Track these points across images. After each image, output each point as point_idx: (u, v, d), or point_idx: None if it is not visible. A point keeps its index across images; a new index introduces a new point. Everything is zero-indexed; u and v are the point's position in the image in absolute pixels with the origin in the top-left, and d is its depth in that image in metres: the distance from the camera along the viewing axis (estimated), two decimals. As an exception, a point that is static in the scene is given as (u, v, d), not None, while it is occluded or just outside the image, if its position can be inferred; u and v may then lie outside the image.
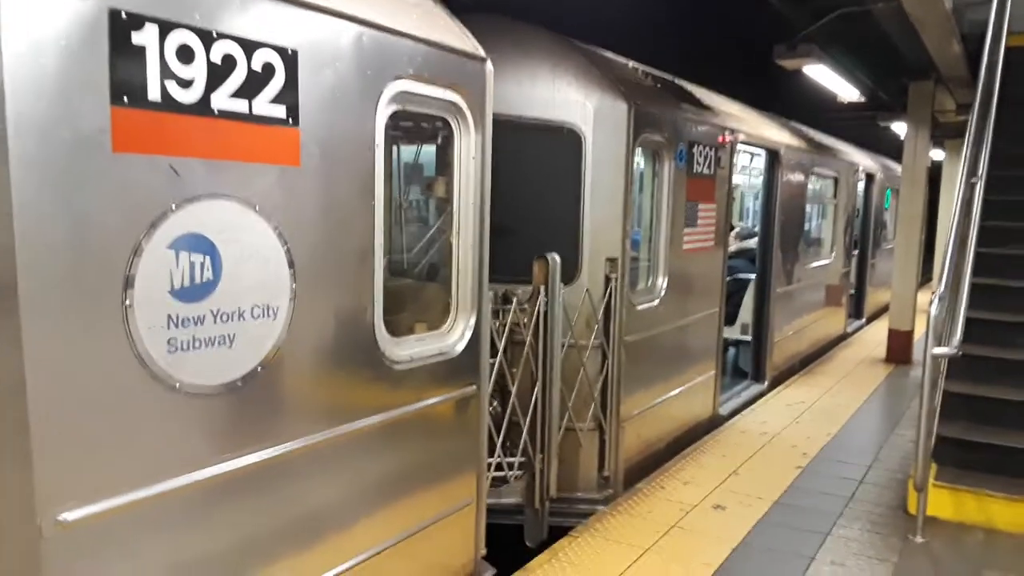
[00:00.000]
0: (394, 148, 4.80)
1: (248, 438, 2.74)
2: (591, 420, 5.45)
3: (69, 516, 2.22)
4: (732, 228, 8.83)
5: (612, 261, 5.29)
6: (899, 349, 10.35)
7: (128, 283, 2.31)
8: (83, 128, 2.17)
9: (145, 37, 2.29)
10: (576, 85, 5.22)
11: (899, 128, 11.29)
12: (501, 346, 4.69)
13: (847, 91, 9.80)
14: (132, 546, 2.42)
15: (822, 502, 5.48)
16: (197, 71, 2.44)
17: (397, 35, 3.24)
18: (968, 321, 5.17)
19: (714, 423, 7.32)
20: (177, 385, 2.47)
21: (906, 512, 5.27)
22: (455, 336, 3.84)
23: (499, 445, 4.78)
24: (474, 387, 3.93)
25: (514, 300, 4.77)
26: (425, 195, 4.68)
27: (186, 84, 2.41)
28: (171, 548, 2.54)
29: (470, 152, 3.80)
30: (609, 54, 6.02)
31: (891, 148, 14.47)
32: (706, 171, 6.61)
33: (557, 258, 4.72)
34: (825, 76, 8.86)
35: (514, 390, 4.84)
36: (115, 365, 2.31)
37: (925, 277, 13.29)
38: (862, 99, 10.42)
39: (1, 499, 2.12)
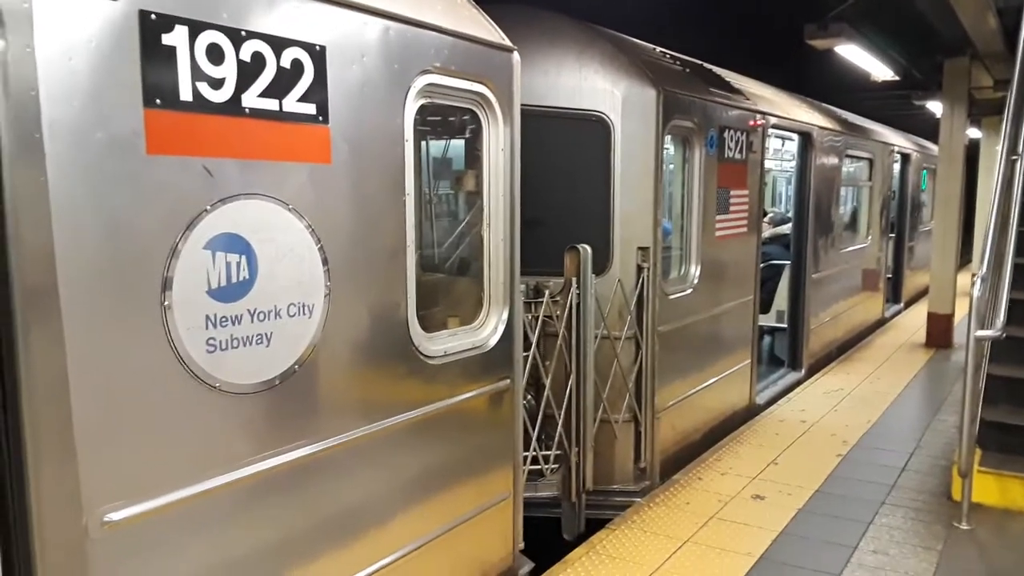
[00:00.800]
0: (423, 142, 4.79)
1: (287, 436, 2.75)
2: (626, 411, 5.41)
3: (115, 516, 2.24)
4: (765, 214, 8.71)
5: (644, 250, 5.24)
6: (939, 333, 10.16)
7: (166, 284, 2.32)
8: (117, 130, 2.18)
9: (175, 38, 2.30)
10: (603, 73, 5.17)
11: (934, 107, 11.06)
12: (534, 339, 4.67)
13: (880, 70, 9.62)
14: (175, 545, 2.44)
15: (864, 490, 5.40)
16: (227, 71, 2.45)
17: (423, 28, 3.22)
18: (1011, 302, 5.05)
19: (751, 412, 7.25)
20: (217, 384, 2.49)
21: (950, 499, 5.17)
22: (488, 330, 3.82)
23: (534, 438, 4.77)
24: (508, 381, 3.91)
25: (546, 292, 4.75)
26: (455, 189, 4.67)
27: (217, 84, 2.42)
28: (214, 546, 2.56)
29: (499, 144, 3.78)
30: (635, 40, 5.95)
31: (926, 128, 14.20)
32: (737, 156, 6.52)
33: (588, 249, 4.68)
34: (857, 55, 8.70)
35: (548, 383, 4.82)
36: (156, 365, 2.32)
37: (964, 259, 13.02)
38: (895, 78, 10.22)
39: (47, 500, 2.15)
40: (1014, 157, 6.03)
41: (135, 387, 2.28)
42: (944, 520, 4.90)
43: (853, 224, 10.88)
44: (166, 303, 2.32)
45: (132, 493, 2.29)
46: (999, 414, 5.39)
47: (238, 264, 2.53)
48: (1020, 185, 5.83)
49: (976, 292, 4.76)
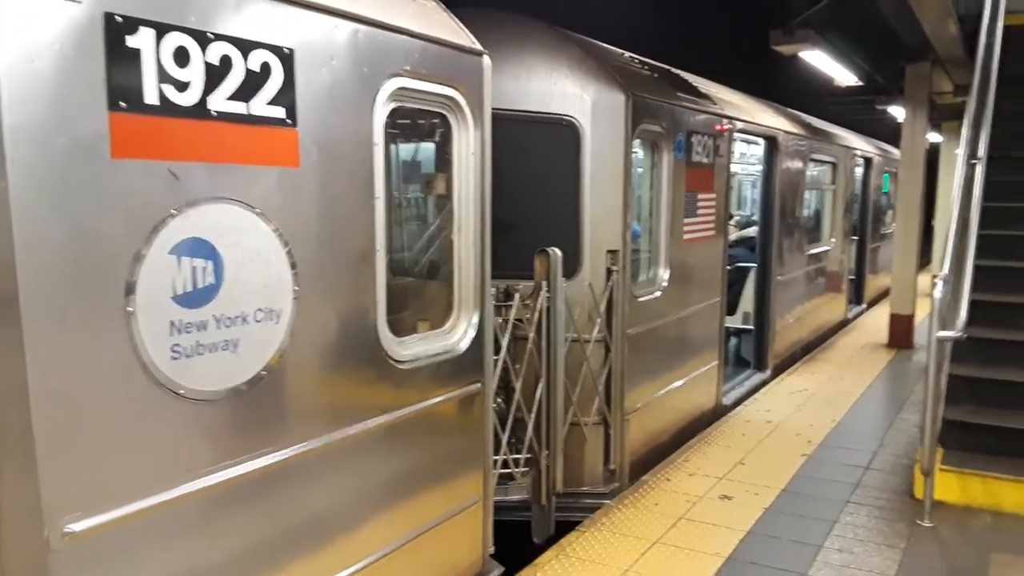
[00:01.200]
0: (393, 146, 4.76)
1: (254, 443, 2.72)
2: (595, 414, 5.43)
3: (76, 527, 2.20)
4: (731, 217, 8.81)
5: (613, 253, 5.27)
6: (901, 334, 10.35)
7: (130, 290, 2.28)
8: (81, 134, 2.14)
9: (141, 40, 2.26)
10: (573, 77, 5.19)
11: (896, 111, 11.26)
12: (504, 343, 4.67)
13: (844, 75, 9.77)
14: (139, 556, 2.40)
15: (828, 489, 5.48)
16: (194, 73, 2.41)
17: (393, 31, 3.21)
18: (972, 304, 5.16)
19: (718, 413, 7.32)
20: (182, 392, 2.45)
21: (912, 497, 5.27)
22: (458, 334, 3.81)
23: (504, 442, 4.76)
24: (478, 385, 3.91)
25: (516, 296, 4.75)
26: (425, 192, 4.65)
27: (183, 87, 2.38)
28: (179, 556, 2.52)
29: (469, 148, 3.77)
30: (605, 45, 5.98)
31: (888, 132, 14.46)
32: (705, 160, 6.59)
33: (558, 252, 4.69)
34: (822, 61, 8.83)
35: (518, 386, 4.82)
36: (119, 373, 2.28)
37: (925, 260, 13.28)
38: (859, 83, 10.39)
39: (7, 511, 2.10)
40: (974, 161, 6.17)
41: (98, 395, 2.24)
42: (907, 518, 4.99)
43: (817, 227, 11.03)
44: (130, 309, 2.28)
45: (94, 503, 2.25)
46: (960, 413, 5.51)
47: (204, 269, 2.49)
48: (980, 188, 5.96)
49: (938, 294, 4.86)
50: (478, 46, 3.74)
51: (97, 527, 2.25)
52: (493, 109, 3.87)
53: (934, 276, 5.07)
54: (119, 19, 2.21)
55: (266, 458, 2.76)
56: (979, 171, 6.11)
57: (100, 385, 2.24)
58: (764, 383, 8.49)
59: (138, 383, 2.33)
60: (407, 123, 4.33)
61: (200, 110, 2.44)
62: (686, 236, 6.37)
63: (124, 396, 2.30)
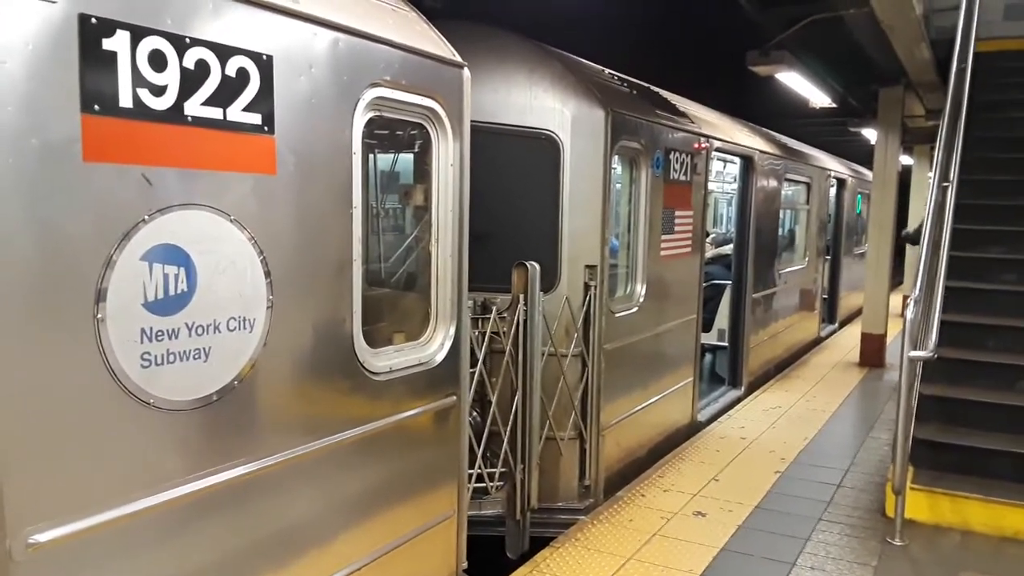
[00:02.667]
0: (371, 155, 4.74)
1: (224, 454, 2.67)
2: (571, 429, 5.42)
3: (41, 537, 2.14)
4: (707, 234, 8.87)
5: (591, 268, 5.27)
6: (872, 353, 10.46)
7: (100, 296, 2.23)
8: (53, 137, 2.10)
9: (116, 43, 2.23)
10: (553, 92, 5.21)
11: (869, 134, 11.44)
12: (481, 355, 4.65)
13: (819, 97, 9.91)
14: (106, 568, 2.34)
15: (801, 507, 5.50)
16: (170, 78, 2.38)
17: (374, 41, 3.19)
18: (942, 324, 5.22)
19: (693, 429, 7.33)
20: (151, 401, 2.40)
21: (884, 515, 5.30)
22: (434, 346, 3.79)
23: (479, 456, 4.73)
24: (454, 397, 3.88)
25: (493, 309, 4.73)
26: (403, 203, 4.63)
27: (159, 91, 2.35)
28: (147, 568, 2.46)
29: (448, 159, 3.76)
30: (584, 60, 6.01)
31: (861, 154, 14.68)
32: (682, 178, 6.63)
33: (536, 266, 4.69)
34: (797, 82, 8.95)
35: (494, 400, 4.79)
36: (87, 380, 2.23)
37: (896, 280, 13.46)
38: (833, 105, 10.55)
39: (-33, 522, 2.04)
40: (945, 184, 6.26)
41: (65, 403, 2.19)
42: (879, 536, 5.02)
43: (791, 246, 11.15)
44: (99, 316, 2.23)
45: (60, 513, 2.19)
46: (931, 432, 5.56)
47: (176, 276, 2.45)
48: (951, 211, 6.05)
49: (909, 314, 4.91)
50: (458, 58, 3.74)
51: (63, 538, 2.19)
52: (473, 122, 3.87)
53: (905, 296, 5.13)
54: (95, 21, 2.18)
55: (237, 469, 2.71)
56: (950, 194, 6.20)
57: (67, 393, 2.19)
58: (738, 400, 8.53)
59: (107, 391, 2.28)
60: (386, 133, 4.31)
61: (176, 115, 2.41)
62: (663, 252, 6.39)
63: (92, 404, 2.25)
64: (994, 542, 4.98)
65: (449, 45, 3.74)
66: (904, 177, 12.53)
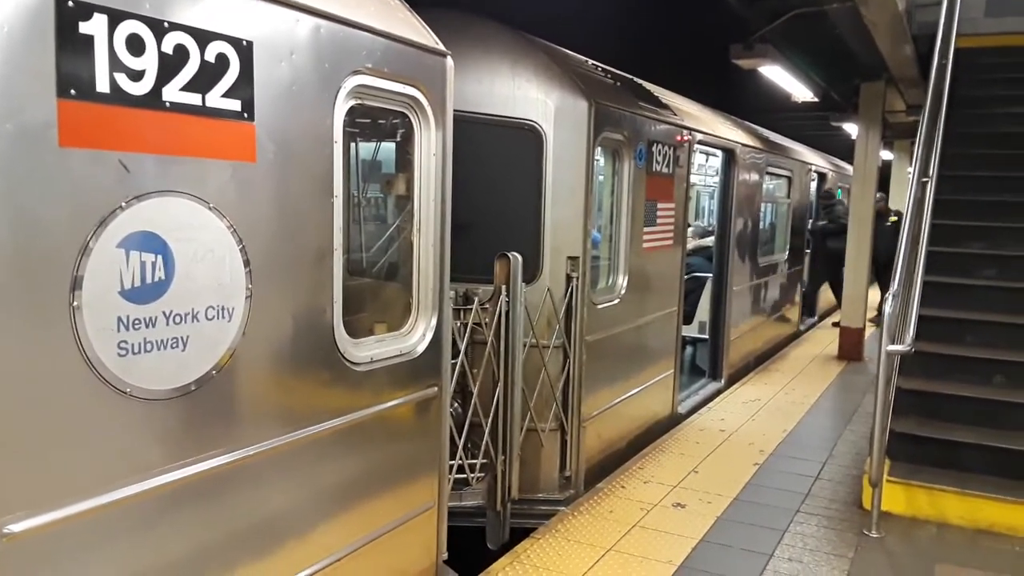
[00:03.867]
0: (353, 144, 4.70)
1: (202, 444, 2.64)
2: (552, 420, 5.42)
3: (16, 527, 2.11)
4: (688, 226, 8.90)
5: (573, 260, 5.27)
6: (850, 346, 10.54)
7: (76, 284, 2.20)
8: (28, 122, 2.06)
9: (94, 27, 2.19)
10: (536, 82, 5.18)
11: (851, 128, 11.51)
12: (462, 346, 4.63)
13: (801, 91, 9.95)
14: (83, 558, 2.31)
15: (779, 499, 5.54)
16: (148, 63, 2.34)
17: (356, 28, 3.16)
18: (920, 319, 5.27)
19: (673, 421, 7.36)
20: (128, 390, 2.37)
21: (861, 507, 5.35)
22: (416, 337, 3.77)
23: (460, 447, 4.72)
24: (435, 388, 3.87)
25: (475, 300, 4.72)
26: (385, 192, 4.60)
27: (136, 76, 2.31)
28: (125, 558, 2.44)
29: (431, 149, 3.74)
30: (568, 51, 5.99)
31: (842, 148, 14.77)
32: (665, 170, 6.64)
33: (519, 257, 4.68)
34: (780, 76, 8.98)
35: (475, 391, 4.78)
36: (62, 369, 2.20)
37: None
38: (815, 99, 10.59)
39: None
40: (925, 179, 6.32)
41: (39, 392, 2.15)
42: (855, 528, 5.07)
43: (772, 239, 11.21)
44: (75, 303, 2.20)
45: (35, 503, 2.16)
46: (907, 426, 5.62)
47: (154, 264, 2.42)
48: (930, 206, 6.10)
49: (888, 309, 4.95)
50: (441, 46, 3.71)
51: (38, 528, 2.16)
52: (456, 111, 3.84)
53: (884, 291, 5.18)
54: (71, 4, 2.13)
55: (215, 460, 2.68)
56: (929, 189, 6.26)
57: (42, 381, 2.16)
58: (719, 392, 8.58)
59: (82, 380, 2.25)
60: (368, 121, 4.28)
61: (153, 100, 2.37)
62: (645, 244, 6.40)
63: (67, 393, 2.22)
64: (969, 534, 5.05)
65: (432, 33, 3.71)
66: (884, 172, 12.62)
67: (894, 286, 5.26)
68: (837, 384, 9.19)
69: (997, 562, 4.68)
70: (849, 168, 12.43)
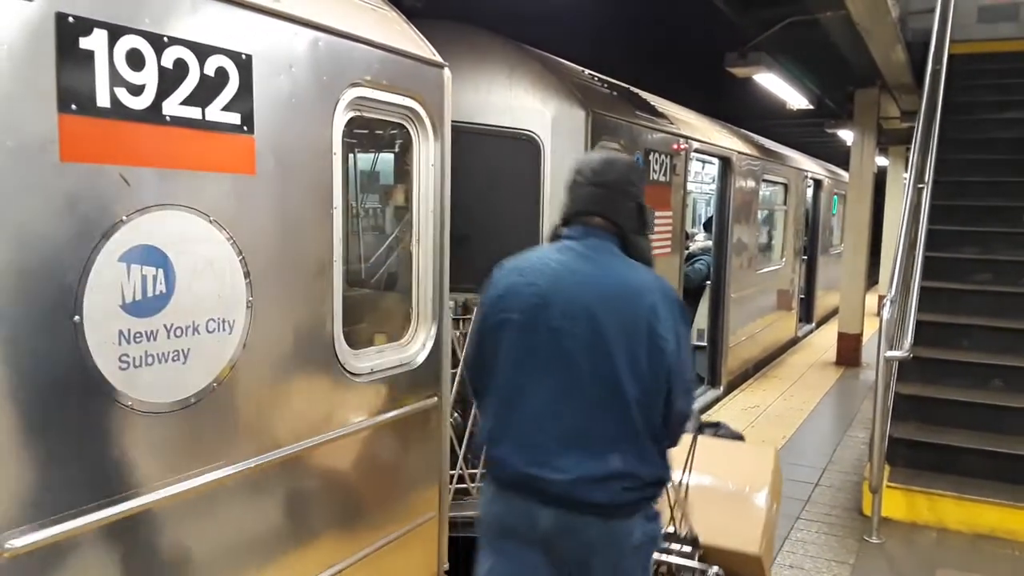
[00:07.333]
0: (351, 155, 4.72)
1: (203, 457, 2.64)
2: (552, 428, 5.40)
3: (17, 543, 2.10)
4: (688, 235, 8.91)
5: (572, 269, 5.26)
6: (848, 352, 10.56)
7: (77, 298, 2.20)
8: (29, 137, 2.07)
9: (94, 42, 2.20)
10: (533, 92, 5.20)
11: (846, 135, 11.56)
12: (462, 356, 4.63)
13: (796, 99, 9.99)
14: (84, 573, 2.31)
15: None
16: (148, 77, 2.35)
17: (354, 40, 3.18)
18: (918, 324, 5.29)
19: (672, 428, 7.34)
20: (129, 403, 2.37)
21: (861, 513, 5.35)
22: (416, 347, 3.77)
23: (461, 456, 4.72)
24: (436, 398, 3.87)
25: (475, 309, 4.71)
26: (384, 203, 4.61)
27: (137, 91, 2.32)
28: (125, 572, 2.43)
29: (429, 159, 3.75)
30: (565, 61, 6.02)
31: (838, 155, 14.82)
32: (662, 178, 6.66)
33: (517, 266, 4.67)
34: (775, 84, 9.02)
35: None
36: (65, 383, 2.20)
37: (872, 280, 13.60)
38: (810, 107, 10.64)
39: (-60, 528, 2.01)
40: (920, 185, 6.35)
41: (42, 406, 2.15)
42: (856, 534, 5.07)
43: (769, 246, 11.23)
44: (76, 318, 2.20)
45: (37, 518, 2.15)
46: (906, 431, 5.63)
47: (155, 277, 2.42)
48: (926, 212, 6.13)
49: (885, 314, 4.96)
50: (439, 58, 3.73)
51: (40, 542, 2.15)
52: (453, 122, 3.86)
53: (881, 296, 5.19)
54: (72, 20, 2.14)
55: (216, 473, 2.68)
56: (925, 195, 6.29)
57: (45, 395, 2.16)
58: (717, 399, 8.58)
59: (84, 394, 2.25)
60: (367, 133, 4.29)
61: (154, 114, 2.38)
62: (643, 253, 6.40)
63: (69, 407, 2.22)
64: (969, 539, 5.05)
65: (430, 45, 3.73)
66: (880, 178, 12.67)
67: (891, 292, 5.28)
68: (836, 390, 9.20)
69: (997, 566, 4.69)
70: (845, 174, 12.47)
